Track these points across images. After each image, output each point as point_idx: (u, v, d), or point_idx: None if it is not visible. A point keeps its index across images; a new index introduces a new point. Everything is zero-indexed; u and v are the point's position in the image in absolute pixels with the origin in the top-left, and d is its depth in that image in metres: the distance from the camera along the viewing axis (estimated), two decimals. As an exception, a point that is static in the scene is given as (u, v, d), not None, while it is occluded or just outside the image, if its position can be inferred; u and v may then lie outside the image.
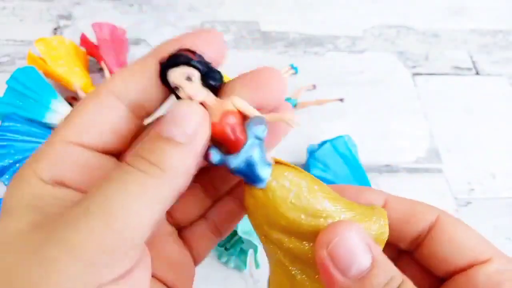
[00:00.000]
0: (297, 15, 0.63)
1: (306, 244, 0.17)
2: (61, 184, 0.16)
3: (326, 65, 0.58)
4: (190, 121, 0.16)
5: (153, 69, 0.17)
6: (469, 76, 0.59)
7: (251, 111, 0.17)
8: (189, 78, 0.16)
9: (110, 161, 0.17)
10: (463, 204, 0.47)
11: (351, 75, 0.57)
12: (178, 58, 0.17)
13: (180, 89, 0.16)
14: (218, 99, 0.17)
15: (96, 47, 0.52)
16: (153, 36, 0.58)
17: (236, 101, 0.17)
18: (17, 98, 0.45)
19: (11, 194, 0.16)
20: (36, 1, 0.61)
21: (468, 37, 0.63)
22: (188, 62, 0.17)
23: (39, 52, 0.49)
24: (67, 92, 0.50)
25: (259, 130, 0.16)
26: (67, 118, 0.17)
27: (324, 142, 0.46)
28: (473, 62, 0.60)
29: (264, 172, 0.17)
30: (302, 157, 0.48)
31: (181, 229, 0.21)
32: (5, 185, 0.43)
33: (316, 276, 0.17)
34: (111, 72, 0.51)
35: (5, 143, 0.43)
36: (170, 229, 0.20)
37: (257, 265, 0.40)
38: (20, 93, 0.45)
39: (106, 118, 0.17)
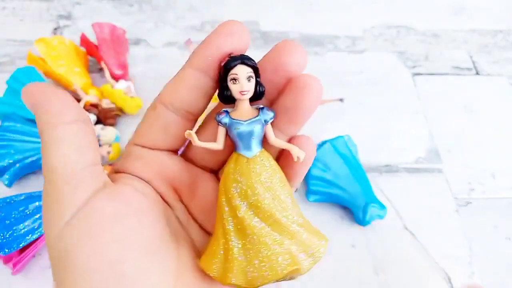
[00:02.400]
0: (297, 15, 0.63)
1: (257, 221, 0.19)
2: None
3: (326, 65, 0.58)
4: None
5: (191, 79, 0.20)
6: (469, 76, 0.59)
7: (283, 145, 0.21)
8: (249, 78, 0.20)
9: (165, 154, 0.22)
10: (463, 204, 0.47)
11: (351, 75, 0.57)
12: (251, 59, 0.20)
13: (236, 82, 0.20)
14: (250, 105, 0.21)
15: (96, 47, 0.52)
16: (153, 36, 0.58)
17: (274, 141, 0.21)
18: (17, 98, 0.45)
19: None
20: (36, 1, 0.61)
21: (468, 37, 0.63)
22: (255, 67, 0.20)
23: (39, 52, 0.49)
24: (67, 92, 0.50)
25: (268, 116, 0.20)
26: (137, 127, 0.22)
27: (324, 142, 0.46)
28: (473, 62, 0.60)
29: (256, 145, 0.20)
30: (302, 157, 0.48)
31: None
32: (5, 185, 0.43)
33: (252, 259, 0.19)
34: (111, 72, 0.51)
35: (5, 143, 0.43)
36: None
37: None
38: (20, 93, 0.45)
39: (158, 123, 0.21)
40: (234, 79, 0.20)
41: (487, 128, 0.53)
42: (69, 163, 0.18)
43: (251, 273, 0.19)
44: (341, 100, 0.52)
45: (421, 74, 0.58)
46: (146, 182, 0.21)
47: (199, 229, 0.22)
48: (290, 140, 0.21)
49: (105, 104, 0.49)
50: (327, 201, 0.45)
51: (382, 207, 0.43)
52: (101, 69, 0.53)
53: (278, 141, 0.21)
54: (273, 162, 0.21)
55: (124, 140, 0.48)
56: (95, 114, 0.48)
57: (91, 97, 0.49)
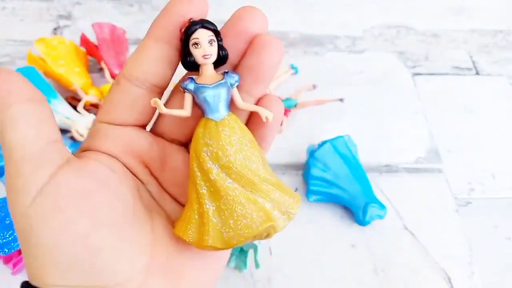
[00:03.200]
0: (297, 15, 0.63)
1: (230, 182, 0.20)
2: (90, 149, 0.21)
3: (326, 65, 0.58)
4: None
5: (153, 51, 0.20)
6: (469, 76, 0.59)
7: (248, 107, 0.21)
8: (211, 42, 0.20)
9: (133, 130, 0.21)
10: (463, 204, 0.47)
11: (351, 75, 0.57)
12: (211, 23, 0.20)
13: (198, 46, 0.19)
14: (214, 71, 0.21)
15: (96, 47, 0.52)
16: (153, 36, 0.58)
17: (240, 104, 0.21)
18: (17, 98, 0.45)
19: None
20: (36, 1, 0.61)
21: (468, 37, 0.63)
22: (216, 30, 0.20)
23: (39, 52, 0.49)
24: (67, 92, 0.50)
25: (233, 79, 0.20)
26: (102, 104, 0.22)
27: (324, 142, 0.46)
28: (473, 62, 0.60)
29: (223, 108, 0.20)
30: (302, 157, 0.48)
31: None
32: (5, 185, 0.43)
33: (227, 219, 0.20)
34: (111, 72, 0.51)
35: (5, 143, 0.43)
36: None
37: (257, 265, 0.40)
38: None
39: (123, 99, 0.21)
40: (196, 43, 0.19)
41: (487, 128, 0.53)
42: (28, 141, 0.18)
43: (227, 233, 0.19)
44: (341, 100, 0.52)
45: (421, 74, 0.58)
46: (114, 157, 0.21)
47: (173, 202, 0.22)
48: (258, 102, 0.21)
49: (105, 104, 0.49)
50: (327, 201, 0.45)
51: (382, 207, 0.43)
52: (101, 69, 0.53)
53: (245, 104, 0.21)
54: (242, 124, 0.21)
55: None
56: (95, 114, 0.48)
57: (91, 97, 0.49)
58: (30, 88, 0.19)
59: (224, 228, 0.20)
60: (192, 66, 0.20)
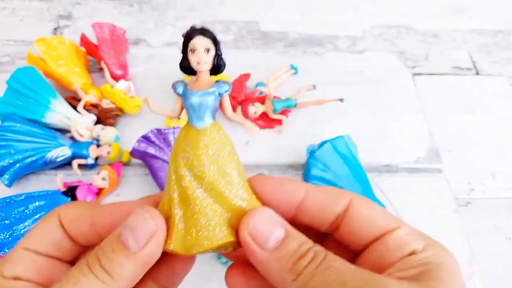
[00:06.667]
0: (297, 15, 0.63)
1: (201, 192, 0.20)
2: (18, 278, 0.21)
3: (326, 65, 0.58)
4: (144, 234, 0.19)
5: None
6: (469, 76, 0.59)
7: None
8: (207, 50, 0.20)
9: (55, 263, 0.22)
10: (463, 204, 0.47)
11: (351, 75, 0.57)
12: (211, 32, 0.20)
13: (194, 52, 0.20)
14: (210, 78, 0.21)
15: (96, 47, 0.52)
16: (153, 36, 0.58)
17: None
18: (17, 98, 0.45)
19: None
20: (36, 1, 0.61)
21: (468, 37, 0.63)
22: (215, 39, 0.20)
23: (39, 52, 0.49)
24: (67, 92, 0.50)
25: (223, 88, 0.20)
26: (29, 231, 0.22)
27: (324, 142, 0.46)
28: (473, 62, 0.60)
29: (208, 118, 0.20)
30: (302, 157, 0.48)
31: None
32: (5, 185, 0.43)
33: (190, 227, 0.20)
34: (111, 72, 0.51)
35: (5, 143, 0.43)
36: None
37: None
38: (20, 93, 0.45)
39: (49, 235, 0.22)
40: (192, 49, 0.20)
41: (487, 128, 0.53)
42: None
43: (188, 241, 0.20)
44: (341, 100, 0.52)
45: (421, 74, 0.58)
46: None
47: None
48: None
49: (105, 104, 0.49)
50: (327, 201, 0.45)
51: (382, 206, 0.43)
52: (101, 69, 0.53)
53: (234, 115, 0.21)
54: (224, 135, 0.21)
55: (124, 140, 0.48)
56: (95, 114, 0.48)
57: (91, 97, 0.49)
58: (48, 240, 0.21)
59: (186, 235, 0.20)
60: (188, 71, 0.21)
